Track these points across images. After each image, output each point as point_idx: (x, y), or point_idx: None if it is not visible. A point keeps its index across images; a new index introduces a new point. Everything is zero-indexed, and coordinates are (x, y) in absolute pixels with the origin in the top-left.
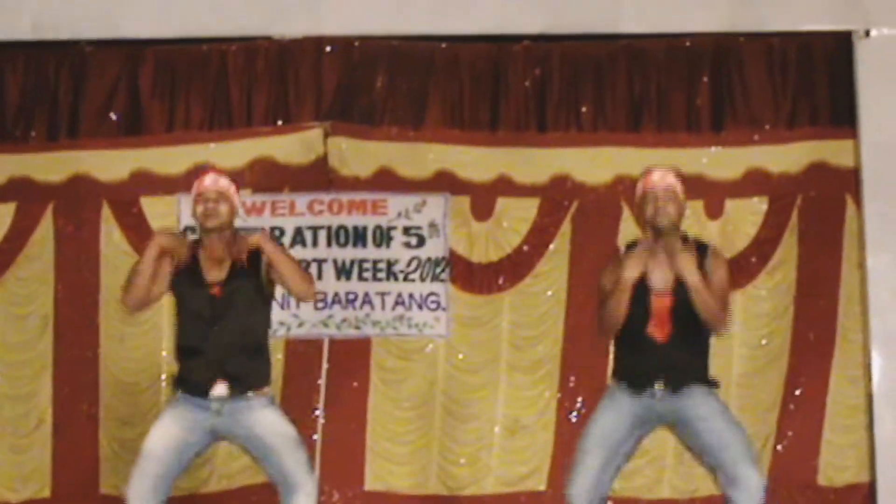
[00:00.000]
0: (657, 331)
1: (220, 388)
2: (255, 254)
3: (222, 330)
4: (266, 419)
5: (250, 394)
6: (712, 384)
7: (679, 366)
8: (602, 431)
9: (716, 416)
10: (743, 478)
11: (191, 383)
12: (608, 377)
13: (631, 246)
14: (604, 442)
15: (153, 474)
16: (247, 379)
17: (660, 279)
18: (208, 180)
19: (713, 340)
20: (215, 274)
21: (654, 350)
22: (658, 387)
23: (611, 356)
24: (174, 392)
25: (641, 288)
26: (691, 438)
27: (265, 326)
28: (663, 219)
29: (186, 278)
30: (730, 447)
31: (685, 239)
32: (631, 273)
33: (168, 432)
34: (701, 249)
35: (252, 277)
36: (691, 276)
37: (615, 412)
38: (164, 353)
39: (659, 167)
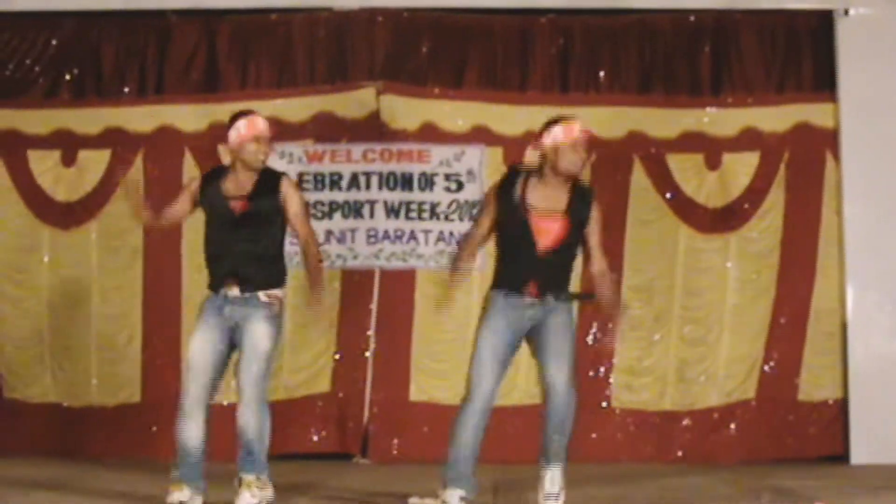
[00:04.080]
0: (540, 244)
1: (233, 289)
2: (275, 183)
3: (240, 240)
4: (256, 330)
5: (261, 296)
6: (576, 297)
7: (550, 275)
8: (494, 350)
9: (562, 331)
10: (557, 387)
11: (213, 283)
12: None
13: (516, 169)
14: (496, 358)
15: (200, 385)
16: (257, 281)
17: (550, 204)
18: (262, 125)
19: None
20: (240, 196)
21: (532, 260)
22: (531, 291)
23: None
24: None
25: (525, 208)
26: (537, 344)
27: (280, 239)
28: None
29: (216, 200)
30: (559, 359)
31: (577, 181)
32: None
33: (204, 346)
34: (588, 193)
35: (270, 200)
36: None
37: (499, 330)
38: None
39: (573, 119)
